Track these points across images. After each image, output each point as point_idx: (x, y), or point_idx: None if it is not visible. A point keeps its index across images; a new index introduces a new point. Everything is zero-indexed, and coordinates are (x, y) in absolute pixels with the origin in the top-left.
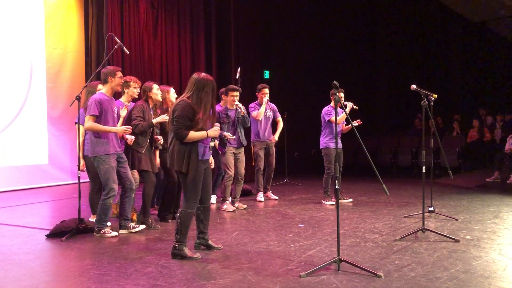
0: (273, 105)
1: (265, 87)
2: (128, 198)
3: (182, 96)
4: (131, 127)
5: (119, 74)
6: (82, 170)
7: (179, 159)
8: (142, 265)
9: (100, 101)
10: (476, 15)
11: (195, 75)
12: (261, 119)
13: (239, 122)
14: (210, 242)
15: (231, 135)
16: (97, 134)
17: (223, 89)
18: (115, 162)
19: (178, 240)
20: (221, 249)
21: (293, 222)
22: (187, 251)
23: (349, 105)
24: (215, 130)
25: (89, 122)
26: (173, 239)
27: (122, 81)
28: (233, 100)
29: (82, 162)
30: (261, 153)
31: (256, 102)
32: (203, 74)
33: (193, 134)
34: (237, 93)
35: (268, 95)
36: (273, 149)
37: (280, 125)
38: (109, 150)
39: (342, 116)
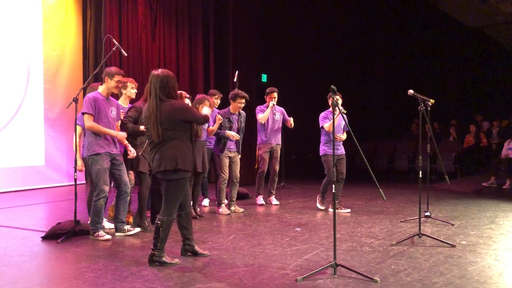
0: (281, 108)
1: (273, 91)
2: (123, 201)
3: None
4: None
5: (117, 78)
6: (80, 170)
7: (171, 159)
8: (138, 268)
9: (95, 100)
10: (473, 21)
11: None
12: (268, 122)
13: (242, 129)
14: (196, 248)
15: (237, 135)
16: (94, 134)
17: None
18: (108, 164)
19: (158, 248)
20: (208, 256)
21: (289, 226)
22: (166, 257)
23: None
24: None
25: (89, 122)
26: (152, 247)
27: (120, 86)
28: (239, 107)
29: (80, 162)
30: (266, 156)
31: (264, 105)
32: None
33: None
34: (243, 100)
35: (276, 99)
36: (277, 153)
37: (291, 123)
38: (101, 150)
39: (330, 123)
